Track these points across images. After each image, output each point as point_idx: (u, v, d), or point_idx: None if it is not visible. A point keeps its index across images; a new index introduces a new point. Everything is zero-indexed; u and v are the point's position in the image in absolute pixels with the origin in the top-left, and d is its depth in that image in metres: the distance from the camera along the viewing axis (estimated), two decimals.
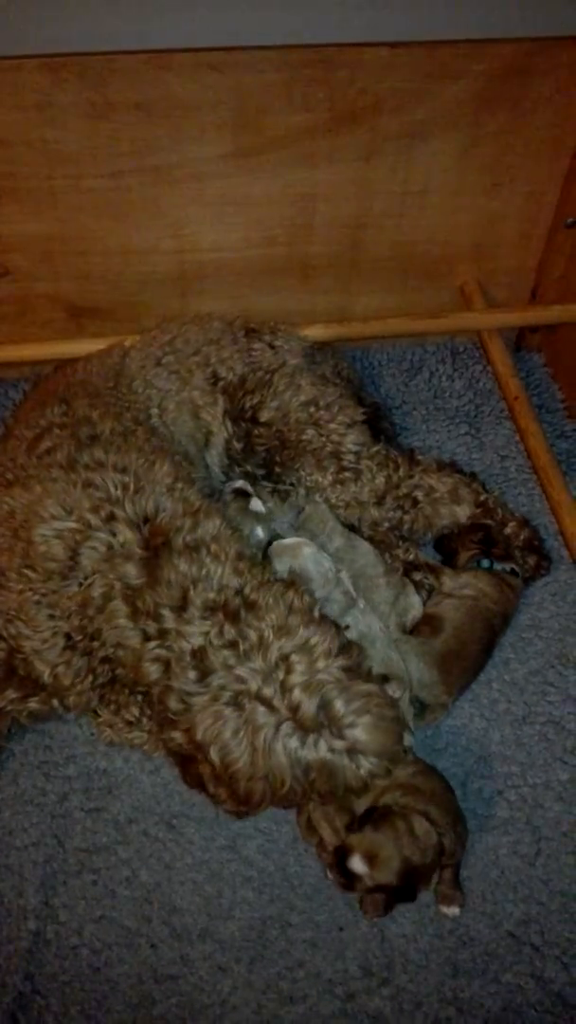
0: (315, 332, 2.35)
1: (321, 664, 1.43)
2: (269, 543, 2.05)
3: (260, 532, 2.05)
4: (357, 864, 1.56)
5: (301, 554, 1.89)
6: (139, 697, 1.69)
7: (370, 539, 2.07)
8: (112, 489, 1.62)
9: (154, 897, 1.70)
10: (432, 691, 1.87)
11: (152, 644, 1.50)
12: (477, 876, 1.72)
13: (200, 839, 1.76)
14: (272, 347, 2.17)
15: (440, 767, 1.83)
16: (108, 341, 2.22)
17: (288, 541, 1.95)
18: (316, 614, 1.52)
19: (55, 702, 1.73)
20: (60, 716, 1.85)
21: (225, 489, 2.11)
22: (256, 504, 2.08)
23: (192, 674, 1.45)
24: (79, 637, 1.61)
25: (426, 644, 1.90)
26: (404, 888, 1.59)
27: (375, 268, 2.48)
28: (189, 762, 1.50)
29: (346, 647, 1.50)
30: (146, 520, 1.60)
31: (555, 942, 1.65)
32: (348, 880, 1.59)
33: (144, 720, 1.75)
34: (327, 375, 2.21)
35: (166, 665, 1.49)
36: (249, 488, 2.10)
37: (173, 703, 1.46)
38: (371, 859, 1.56)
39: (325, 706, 1.41)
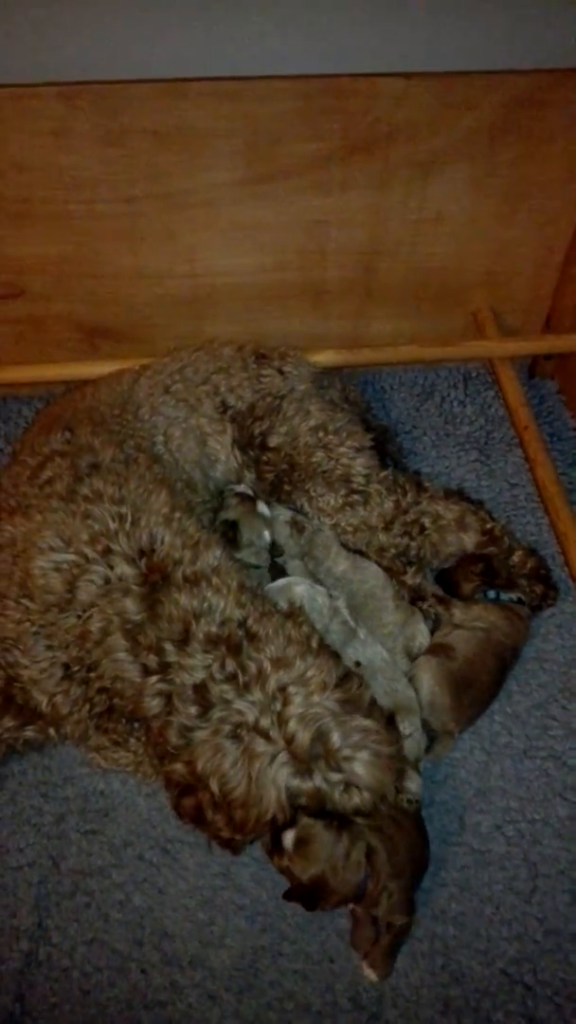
0: (327, 358, 2.36)
1: (317, 697, 1.44)
2: (273, 545, 2.09)
3: (267, 535, 2.08)
4: (287, 838, 1.53)
5: (294, 593, 1.89)
6: (134, 725, 1.70)
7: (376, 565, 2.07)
8: (110, 522, 1.62)
9: (146, 922, 1.70)
10: (441, 717, 1.85)
11: (154, 679, 1.50)
12: (471, 912, 1.71)
13: (194, 865, 1.76)
14: (281, 373, 2.18)
15: (438, 800, 1.82)
16: (122, 362, 2.25)
17: (278, 583, 1.96)
18: (314, 644, 1.53)
19: (51, 730, 1.75)
20: (55, 744, 1.86)
21: (226, 493, 2.13)
22: (262, 508, 2.11)
23: (193, 709, 1.46)
24: (77, 668, 1.62)
25: (443, 665, 1.88)
26: (307, 893, 1.55)
27: (388, 294, 2.49)
28: (188, 791, 1.51)
29: (344, 679, 1.50)
30: (142, 553, 1.61)
31: (548, 982, 1.63)
32: (274, 847, 1.56)
33: (131, 740, 1.76)
34: (335, 400, 2.22)
35: (167, 699, 1.49)
36: (251, 491, 2.13)
37: (174, 737, 1.47)
38: (300, 843, 1.53)
39: (321, 738, 1.42)
